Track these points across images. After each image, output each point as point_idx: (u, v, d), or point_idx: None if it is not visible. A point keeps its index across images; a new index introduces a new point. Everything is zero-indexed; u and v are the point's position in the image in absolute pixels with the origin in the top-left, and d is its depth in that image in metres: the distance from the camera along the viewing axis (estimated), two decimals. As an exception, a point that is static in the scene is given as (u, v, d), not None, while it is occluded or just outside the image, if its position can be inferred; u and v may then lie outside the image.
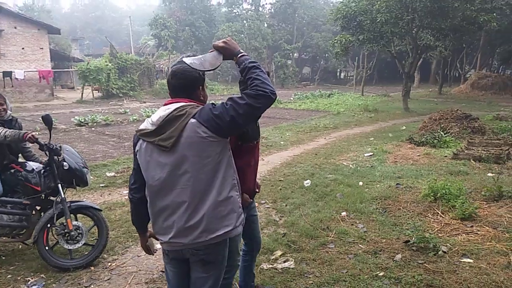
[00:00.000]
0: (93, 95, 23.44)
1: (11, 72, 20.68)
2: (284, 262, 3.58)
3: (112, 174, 6.67)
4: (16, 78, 20.85)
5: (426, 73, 35.65)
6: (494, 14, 14.65)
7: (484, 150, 7.56)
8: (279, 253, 3.77)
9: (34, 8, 49.85)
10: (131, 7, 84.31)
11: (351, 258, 3.61)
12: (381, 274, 3.31)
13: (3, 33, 21.72)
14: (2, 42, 21.85)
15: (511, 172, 6.22)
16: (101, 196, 5.64)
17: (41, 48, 23.62)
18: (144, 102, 22.69)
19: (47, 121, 3.35)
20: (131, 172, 2.12)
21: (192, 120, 1.83)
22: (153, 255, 2.46)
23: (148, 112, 14.95)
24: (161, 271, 3.43)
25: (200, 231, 1.89)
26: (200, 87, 2.03)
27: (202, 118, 1.83)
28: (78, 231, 3.47)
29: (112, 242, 3.98)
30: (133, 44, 43.53)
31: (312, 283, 3.20)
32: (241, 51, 1.95)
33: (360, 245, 3.89)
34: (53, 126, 3.56)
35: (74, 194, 5.46)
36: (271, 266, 3.50)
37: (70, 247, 3.45)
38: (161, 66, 35.03)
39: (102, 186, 6.03)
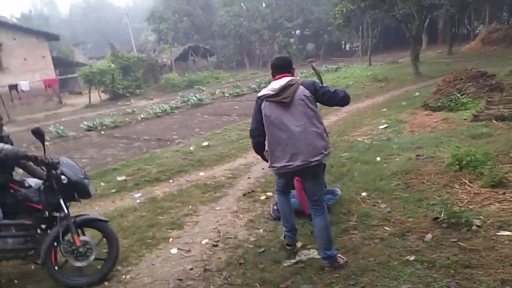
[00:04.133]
0: (100, 98, 23.48)
1: (16, 84, 20.72)
2: (306, 254, 3.36)
3: (123, 178, 6.52)
4: (22, 90, 20.93)
5: (434, 34, 34.37)
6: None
7: (506, 108, 7.13)
8: (299, 244, 3.54)
9: (31, 17, 49.83)
10: (129, 4, 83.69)
11: (377, 244, 3.37)
12: (411, 258, 3.05)
13: (3, 46, 21.74)
14: (3, 55, 21.89)
15: (539, 129, 5.83)
16: (112, 202, 5.50)
17: (43, 57, 23.63)
18: (151, 99, 22.53)
19: (38, 134, 3.16)
20: (250, 126, 3.30)
21: (301, 87, 3.05)
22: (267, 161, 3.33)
23: (155, 108, 14.78)
24: (177, 279, 3.26)
25: (306, 156, 2.97)
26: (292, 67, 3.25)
27: (307, 85, 3.08)
28: (86, 246, 3.30)
29: (126, 252, 3.82)
30: (134, 42, 43.30)
31: (338, 276, 2.97)
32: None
33: (385, 228, 3.63)
34: (45, 138, 3.36)
35: (86, 204, 5.33)
36: (293, 261, 3.29)
37: (80, 264, 3.29)
38: (164, 60, 34.74)
39: (113, 192, 5.89)
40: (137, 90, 25.67)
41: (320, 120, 3.09)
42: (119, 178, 6.53)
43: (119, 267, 3.55)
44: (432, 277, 2.78)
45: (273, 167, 3.13)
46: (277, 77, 3.13)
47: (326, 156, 3.05)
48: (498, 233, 3.19)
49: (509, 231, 3.20)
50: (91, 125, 12.84)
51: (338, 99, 3.08)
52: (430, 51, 28.59)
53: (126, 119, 14.00)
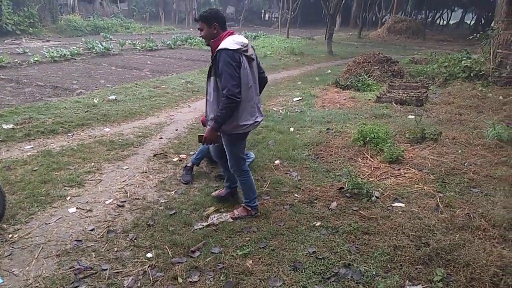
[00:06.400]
0: (-18, 32, 19.91)
1: None
2: (219, 218, 3.32)
3: (10, 126, 5.67)
4: None
5: (347, 16, 36.30)
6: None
7: (404, 93, 7.88)
8: (212, 209, 3.49)
9: None
10: None
11: (287, 210, 3.48)
12: (318, 224, 3.22)
13: None
14: None
15: (429, 114, 6.56)
16: (-4, 153, 4.76)
17: None
18: (48, 41, 19.87)
19: None
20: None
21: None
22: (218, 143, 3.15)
23: (53, 52, 13.08)
24: (76, 240, 2.96)
25: (261, 111, 3.10)
26: None
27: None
28: (-38, 201, 2.79)
29: (13, 209, 3.35)
30: (29, -28, 37.27)
31: (249, 239, 2.99)
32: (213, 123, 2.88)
33: (295, 195, 3.77)
34: None
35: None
36: (205, 224, 3.22)
37: (-46, 222, 2.79)
38: (66, -2, 30.71)
39: (-3, 141, 5.10)
40: (31, 29, 22.33)
41: None
42: (5, 126, 5.67)
43: (5, 225, 3.10)
44: (335, 242, 2.97)
45: (243, 125, 2.92)
46: (229, 31, 2.88)
47: None
48: (393, 204, 3.54)
49: (402, 203, 3.56)
50: (-30, 62, 10.85)
51: (264, 76, 3.21)
52: (342, 32, 30.15)
53: (16, 60, 12.13)
